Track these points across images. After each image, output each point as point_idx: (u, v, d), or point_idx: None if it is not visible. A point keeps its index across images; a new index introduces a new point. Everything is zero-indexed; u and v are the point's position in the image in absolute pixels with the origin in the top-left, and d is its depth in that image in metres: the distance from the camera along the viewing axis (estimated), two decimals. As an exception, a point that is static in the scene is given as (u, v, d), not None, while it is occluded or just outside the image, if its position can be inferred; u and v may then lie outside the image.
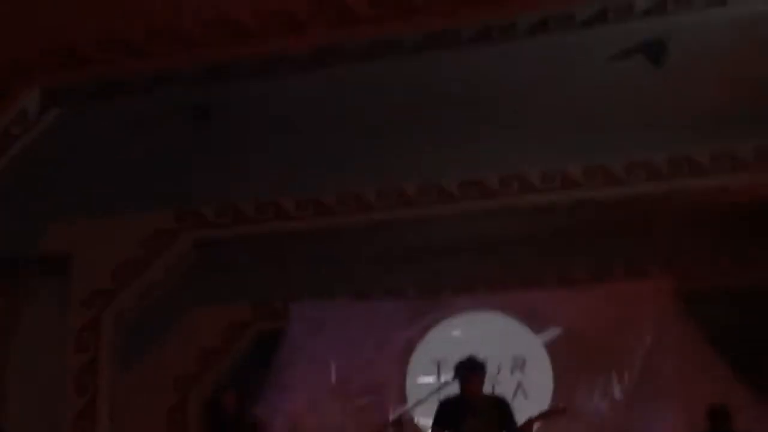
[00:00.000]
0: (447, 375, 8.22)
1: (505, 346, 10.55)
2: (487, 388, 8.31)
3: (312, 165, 8.39)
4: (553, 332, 10.48)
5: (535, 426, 7.67)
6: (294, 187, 8.88)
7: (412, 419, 9.71)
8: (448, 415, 7.29)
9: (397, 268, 10.04)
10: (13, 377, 8.89)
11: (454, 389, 7.35)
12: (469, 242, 9.62)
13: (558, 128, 7.80)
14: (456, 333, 10.68)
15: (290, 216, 9.11)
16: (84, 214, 8.96)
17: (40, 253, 9.29)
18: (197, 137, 7.55)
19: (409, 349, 10.76)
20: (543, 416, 7.69)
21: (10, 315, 9.40)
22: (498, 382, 10.22)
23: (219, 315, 10.84)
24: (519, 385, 10.40)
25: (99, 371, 9.12)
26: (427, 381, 10.44)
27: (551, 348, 10.46)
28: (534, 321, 10.56)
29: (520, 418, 7.33)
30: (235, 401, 8.43)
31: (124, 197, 8.73)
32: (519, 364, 10.61)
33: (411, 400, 10.24)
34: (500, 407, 7.32)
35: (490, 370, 10.23)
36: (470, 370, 7.31)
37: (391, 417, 9.18)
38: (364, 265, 10.07)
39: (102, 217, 9.03)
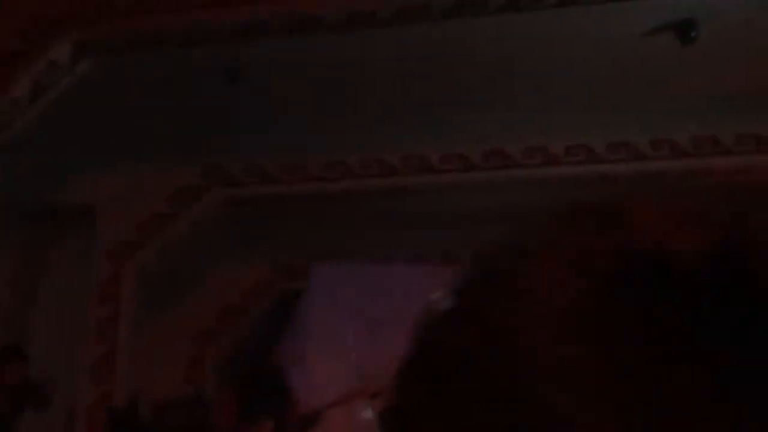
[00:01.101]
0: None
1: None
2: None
3: (336, 128, 8.41)
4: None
5: None
6: (318, 149, 8.90)
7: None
8: None
9: (420, 234, 10.05)
10: (38, 326, 9.00)
11: None
12: (492, 211, 9.60)
13: (583, 103, 7.79)
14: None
15: (315, 177, 9.15)
16: (111, 167, 9.01)
17: (66, 204, 9.36)
18: (227, 96, 7.58)
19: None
20: None
21: (37, 265, 9.51)
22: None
23: (241, 273, 10.89)
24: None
25: (120, 322, 9.22)
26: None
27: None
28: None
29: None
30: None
31: (152, 152, 8.77)
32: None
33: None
34: None
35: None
36: None
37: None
38: (386, 229, 10.09)
39: (128, 170, 9.08)
